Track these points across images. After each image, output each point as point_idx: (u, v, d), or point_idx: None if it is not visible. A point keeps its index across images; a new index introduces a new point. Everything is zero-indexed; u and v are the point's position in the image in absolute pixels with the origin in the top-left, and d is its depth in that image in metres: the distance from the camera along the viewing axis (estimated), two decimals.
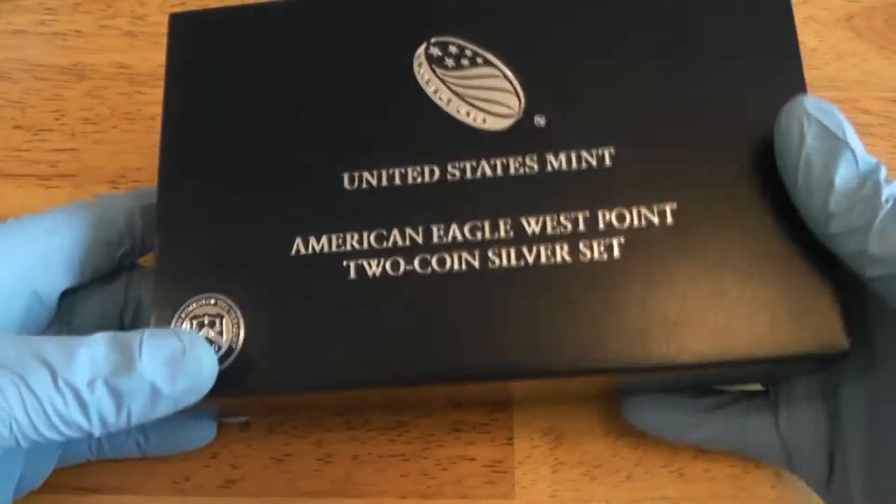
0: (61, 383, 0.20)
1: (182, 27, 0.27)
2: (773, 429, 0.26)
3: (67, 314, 0.26)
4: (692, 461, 0.29)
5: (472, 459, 0.29)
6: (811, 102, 0.22)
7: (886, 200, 0.20)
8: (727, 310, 0.23)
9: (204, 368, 0.22)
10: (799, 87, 0.24)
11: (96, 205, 0.26)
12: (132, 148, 0.33)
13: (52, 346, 0.21)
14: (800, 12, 0.33)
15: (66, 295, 0.26)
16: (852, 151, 0.21)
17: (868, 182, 0.21)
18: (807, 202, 0.22)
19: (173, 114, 0.26)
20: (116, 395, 0.21)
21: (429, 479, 0.29)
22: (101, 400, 0.21)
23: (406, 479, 0.29)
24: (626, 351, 0.23)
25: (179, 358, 0.21)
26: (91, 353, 0.21)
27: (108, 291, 0.27)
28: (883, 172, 0.21)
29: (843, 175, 0.21)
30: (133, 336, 0.21)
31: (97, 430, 0.21)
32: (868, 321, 0.24)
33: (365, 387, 0.25)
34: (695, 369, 0.24)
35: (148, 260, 0.29)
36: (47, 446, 0.26)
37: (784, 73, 0.24)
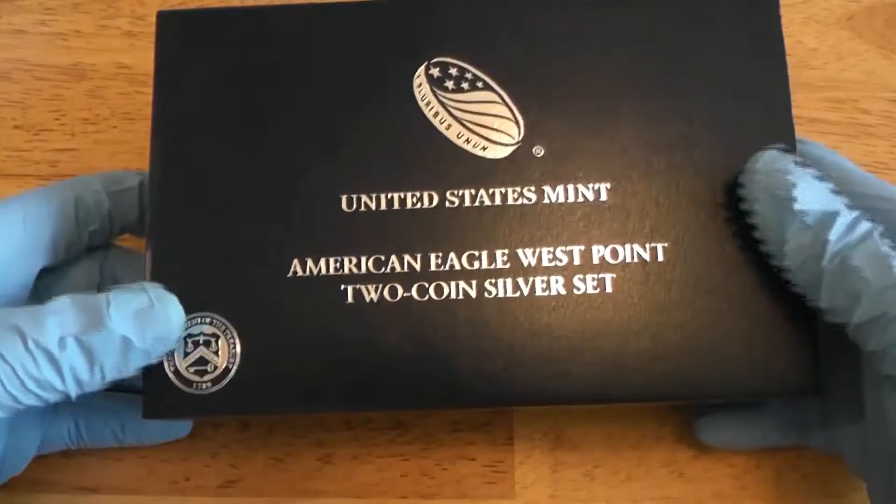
0: (31, 345, 0.21)
1: (173, 27, 0.26)
2: (833, 437, 0.26)
3: (45, 294, 0.26)
4: (692, 461, 0.29)
5: (472, 459, 0.29)
6: (760, 166, 0.23)
7: (833, 257, 0.22)
8: (706, 349, 0.24)
9: (172, 318, 0.23)
10: (787, 129, 0.25)
11: (65, 185, 0.26)
12: (132, 148, 0.33)
13: (20, 312, 0.21)
14: (800, 12, 0.33)
15: (42, 276, 0.26)
16: (797, 213, 0.22)
17: (817, 240, 0.22)
18: (771, 259, 0.23)
19: (164, 123, 0.26)
20: (88, 352, 0.21)
21: (429, 479, 0.29)
22: (73, 358, 0.21)
23: (406, 479, 0.29)
24: (605, 382, 0.24)
25: (147, 310, 0.22)
26: (59, 313, 0.21)
27: (84, 271, 0.27)
28: (836, 224, 0.22)
29: (792, 237, 0.22)
30: (100, 294, 0.22)
31: (73, 390, 0.22)
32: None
33: (359, 410, 0.26)
34: (666, 401, 0.26)
35: (123, 240, 0.29)
36: (26, 432, 0.26)
37: (775, 115, 0.25)
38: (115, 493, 0.29)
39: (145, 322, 0.22)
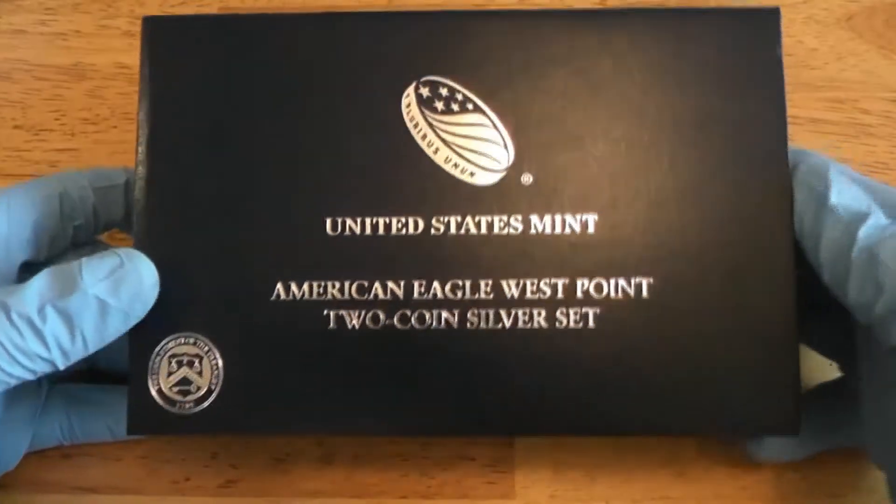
0: (14, 316, 0.22)
1: (158, 33, 0.25)
2: (859, 432, 0.26)
3: None
4: (692, 461, 0.29)
5: (472, 459, 0.29)
6: (805, 166, 0.24)
7: (861, 251, 0.22)
8: (687, 387, 0.24)
9: (145, 276, 0.23)
10: (782, 167, 0.24)
11: (51, 180, 0.26)
12: (132, 148, 0.32)
13: (1, 289, 0.22)
14: (800, 12, 0.33)
15: (26, 270, 0.26)
16: (832, 208, 0.23)
17: (847, 234, 0.23)
18: (807, 254, 0.24)
19: (149, 139, 0.25)
20: (67, 318, 0.22)
21: (429, 479, 0.29)
22: (53, 326, 0.22)
23: (406, 479, 0.29)
24: (580, 416, 0.24)
25: (119, 270, 0.23)
26: (37, 285, 0.22)
27: None
28: (867, 222, 0.23)
29: (827, 231, 0.23)
30: (73, 262, 0.23)
31: (59, 359, 0.23)
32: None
33: (338, 434, 0.26)
34: (641, 435, 0.26)
35: (112, 236, 0.29)
36: (16, 427, 0.26)
37: (770, 148, 0.25)
38: (115, 493, 0.29)
39: (118, 281, 0.23)
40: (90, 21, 0.34)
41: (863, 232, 0.23)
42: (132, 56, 0.34)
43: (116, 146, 0.33)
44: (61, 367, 0.23)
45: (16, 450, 0.27)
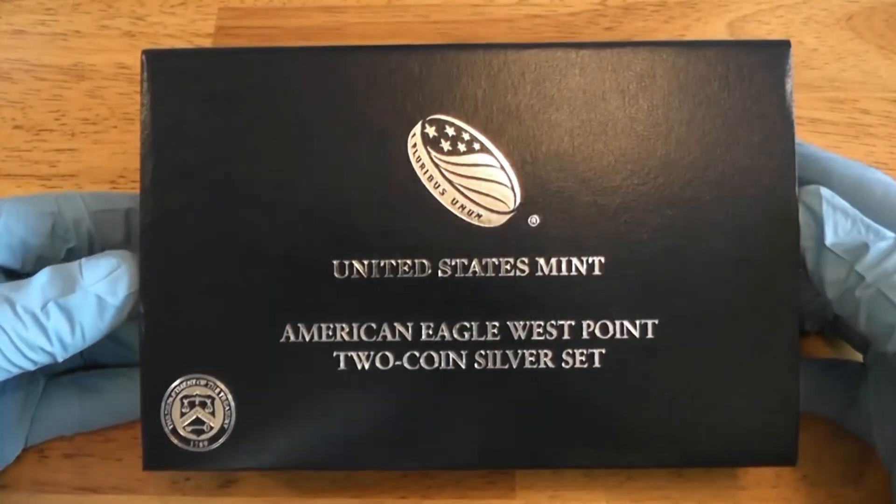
0: (20, 310, 0.23)
1: (159, 67, 0.25)
2: (869, 429, 0.26)
3: None
4: None
5: None
6: (809, 197, 0.24)
7: (866, 288, 0.22)
8: (692, 425, 0.25)
9: (139, 277, 0.25)
10: (791, 210, 0.24)
11: (47, 199, 0.26)
12: (132, 148, 0.33)
13: (7, 284, 0.24)
14: (800, 12, 0.33)
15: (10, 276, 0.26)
16: (831, 248, 0.23)
17: (850, 272, 0.23)
18: (816, 288, 0.24)
19: (153, 178, 0.25)
20: (68, 314, 0.23)
21: (429, 479, 0.29)
22: (56, 321, 0.23)
23: (406, 479, 0.29)
24: (588, 452, 0.25)
25: (117, 270, 0.24)
26: (40, 283, 0.23)
27: None
28: (867, 257, 0.23)
29: (829, 272, 0.23)
30: (73, 262, 0.24)
31: (59, 352, 0.24)
32: None
33: (349, 469, 0.27)
34: (639, 468, 0.27)
35: None
36: (12, 419, 0.27)
37: (778, 199, 0.24)
38: (115, 493, 0.29)
39: (115, 281, 0.24)
40: (90, 21, 0.34)
41: (864, 268, 0.23)
42: (132, 56, 0.34)
43: (116, 146, 0.33)
44: (60, 359, 0.24)
45: (12, 443, 0.27)
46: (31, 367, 0.24)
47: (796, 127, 0.25)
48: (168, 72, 0.25)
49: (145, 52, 0.25)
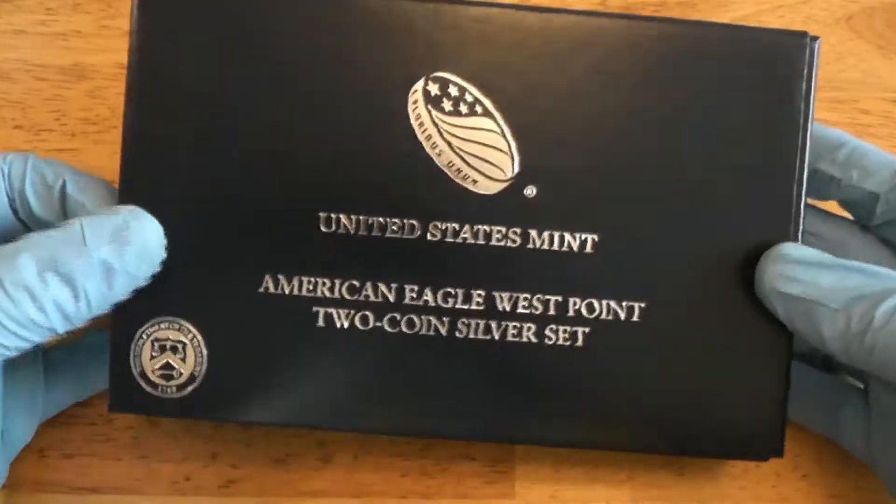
0: (9, 287, 0.20)
1: (151, 8, 0.24)
2: (867, 450, 0.26)
3: None
4: (692, 461, 0.29)
5: (473, 459, 0.29)
6: (769, 275, 0.23)
7: (872, 337, 0.21)
8: (671, 408, 0.24)
9: (149, 235, 0.23)
10: (786, 214, 0.24)
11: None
12: None
13: None
14: (800, 12, 0.33)
15: None
16: (825, 305, 0.22)
17: (850, 324, 0.21)
18: (812, 344, 0.23)
19: (137, 116, 0.24)
20: (70, 281, 0.21)
21: (429, 479, 0.29)
22: (55, 290, 0.21)
23: (406, 479, 0.29)
24: (566, 430, 0.24)
25: (123, 229, 0.22)
26: (33, 248, 0.21)
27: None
28: (862, 305, 0.21)
29: (827, 326, 0.22)
30: (72, 221, 0.22)
31: (59, 325, 0.21)
32: None
33: (321, 428, 0.26)
34: (620, 451, 0.27)
35: None
36: (24, 398, 0.25)
37: (778, 195, 0.24)
38: (115, 493, 0.29)
39: (122, 242, 0.22)
40: (90, 21, 0.34)
41: (863, 318, 0.21)
42: None
43: (116, 146, 0.32)
44: (62, 332, 0.22)
45: (27, 421, 0.26)
46: (29, 346, 0.22)
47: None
48: (159, 10, 0.24)
49: None
